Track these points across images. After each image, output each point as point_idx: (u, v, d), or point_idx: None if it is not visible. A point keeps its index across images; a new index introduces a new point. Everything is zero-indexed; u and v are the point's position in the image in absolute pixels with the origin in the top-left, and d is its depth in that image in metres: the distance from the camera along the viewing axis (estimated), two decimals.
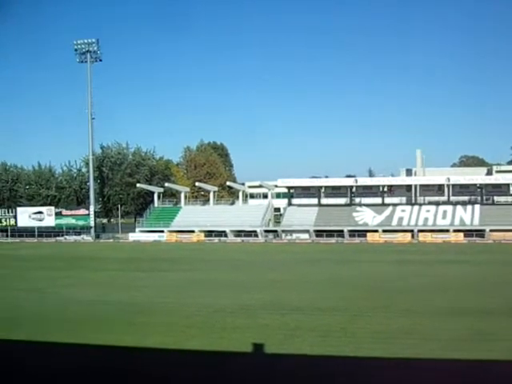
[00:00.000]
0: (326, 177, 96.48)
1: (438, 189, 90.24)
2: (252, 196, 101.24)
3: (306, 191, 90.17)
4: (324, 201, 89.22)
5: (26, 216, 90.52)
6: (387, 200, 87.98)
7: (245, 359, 20.40)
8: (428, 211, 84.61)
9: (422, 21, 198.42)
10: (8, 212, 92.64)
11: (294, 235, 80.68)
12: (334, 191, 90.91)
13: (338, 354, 20.46)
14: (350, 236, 79.15)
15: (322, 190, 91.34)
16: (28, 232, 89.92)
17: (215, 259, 57.80)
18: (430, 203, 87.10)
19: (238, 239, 78.35)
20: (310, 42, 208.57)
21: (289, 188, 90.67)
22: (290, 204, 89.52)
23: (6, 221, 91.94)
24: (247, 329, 24.98)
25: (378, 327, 24.60)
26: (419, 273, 44.32)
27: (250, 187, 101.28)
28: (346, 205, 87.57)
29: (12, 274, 48.12)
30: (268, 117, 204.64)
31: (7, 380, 18.89)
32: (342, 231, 79.10)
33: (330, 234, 78.24)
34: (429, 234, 78.25)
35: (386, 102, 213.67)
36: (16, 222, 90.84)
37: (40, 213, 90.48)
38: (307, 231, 79.93)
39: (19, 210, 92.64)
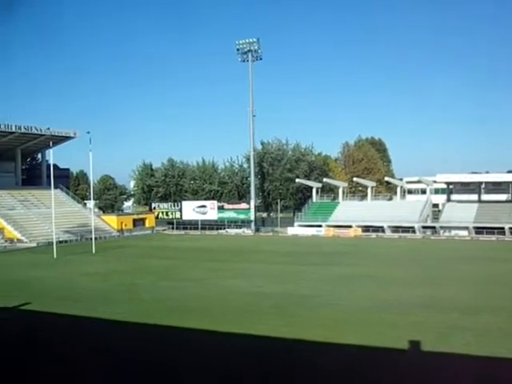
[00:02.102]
0: (487, 172, 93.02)
1: None
2: (410, 191, 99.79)
3: (466, 187, 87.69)
4: (484, 197, 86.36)
5: (190, 209, 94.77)
6: None
7: (399, 356, 20.96)
8: None
9: None
10: (174, 206, 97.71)
11: (453, 232, 78.78)
12: (495, 187, 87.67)
13: (495, 356, 20.44)
14: None
15: (483, 185, 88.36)
16: (192, 225, 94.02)
17: (372, 254, 57.86)
18: None
19: (396, 235, 77.76)
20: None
21: (448, 183, 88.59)
22: (448, 200, 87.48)
23: (172, 214, 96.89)
24: (403, 325, 25.36)
25: None
26: None
27: (408, 182, 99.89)
28: (507, 201, 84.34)
29: (178, 265, 51.12)
30: (427, 111, 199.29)
31: (176, 365, 20.67)
32: (502, 228, 76.31)
33: (490, 231, 75.68)
34: None
35: None
36: (181, 215, 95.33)
37: (203, 206, 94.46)
38: (466, 228, 77.80)
39: (184, 203, 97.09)
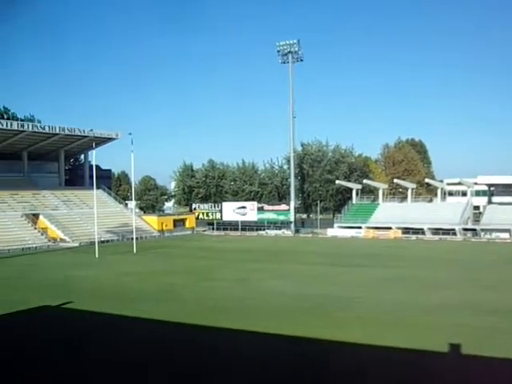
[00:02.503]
0: None
1: None
2: (450, 193, 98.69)
3: (507, 189, 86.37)
4: None
5: (230, 210, 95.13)
6: None
7: (440, 359, 20.84)
8: None
9: None
10: (214, 206, 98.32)
11: (494, 234, 77.71)
12: None
13: None
14: None
15: None
16: (232, 226, 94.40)
17: (413, 256, 57.43)
18: None
19: (436, 237, 77.04)
20: None
21: (489, 185, 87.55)
22: (490, 202, 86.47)
23: (212, 215, 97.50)
24: (444, 328, 25.19)
25: None
26: None
27: (448, 184, 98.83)
28: None
29: (218, 266, 51.44)
30: (468, 112, 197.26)
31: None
32: None
33: None
34: None
35: None
36: (221, 216, 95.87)
37: (243, 207, 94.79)
38: (508, 230, 76.65)
39: (225, 204, 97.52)
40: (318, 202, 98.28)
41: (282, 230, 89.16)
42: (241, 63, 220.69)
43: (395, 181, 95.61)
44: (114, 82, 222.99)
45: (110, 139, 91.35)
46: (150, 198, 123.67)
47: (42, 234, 74.35)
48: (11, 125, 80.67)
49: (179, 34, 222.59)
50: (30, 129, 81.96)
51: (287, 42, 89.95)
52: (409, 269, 46.94)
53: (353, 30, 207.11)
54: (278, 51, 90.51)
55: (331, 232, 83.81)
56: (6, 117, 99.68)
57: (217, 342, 23.88)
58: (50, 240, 73.25)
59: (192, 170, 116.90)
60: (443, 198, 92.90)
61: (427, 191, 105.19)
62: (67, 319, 29.46)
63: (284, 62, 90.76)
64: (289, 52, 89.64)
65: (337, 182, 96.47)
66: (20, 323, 28.41)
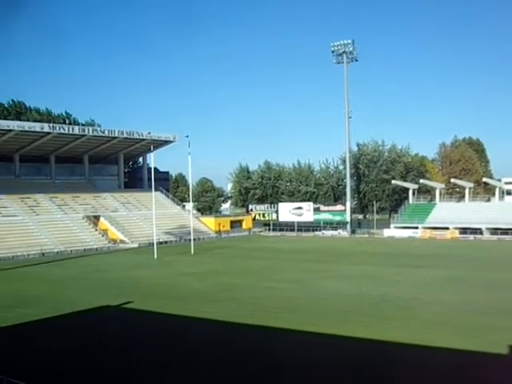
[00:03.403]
0: None
1: None
2: (509, 193, 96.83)
3: None
4: None
5: (286, 211, 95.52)
6: None
7: (496, 360, 20.87)
8: None
9: None
10: (271, 207, 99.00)
11: None
12: None
13: None
14: None
15: None
16: (288, 226, 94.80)
17: (470, 257, 56.78)
18: None
19: (494, 237, 75.90)
20: None
21: None
22: None
23: (268, 215, 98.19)
24: (502, 329, 25.02)
25: None
26: None
27: (507, 183, 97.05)
28: None
29: (275, 266, 51.93)
30: None
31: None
32: None
33: None
34: None
35: None
36: (278, 217, 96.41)
37: (299, 208, 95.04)
38: None
39: (281, 205, 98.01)
40: (374, 202, 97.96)
41: (338, 231, 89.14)
42: (295, 64, 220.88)
43: (452, 180, 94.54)
44: (171, 84, 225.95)
45: (167, 142, 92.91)
46: (207, 200, 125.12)
47: (103, 236, 76.25)
48: (73, 129, 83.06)
49: (233, 35, 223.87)
50: (91, 133, 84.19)
51: (342, 42, 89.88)
52: (466, 269, 46.59)
53: (407, 29, 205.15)
54: (333, 51, 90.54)
55: (387, 232, 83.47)
56: (67, 122, 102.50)
57: (277, 342, 24.35)
58: (110, 241, 75.07)
59: (248, 172, 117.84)
60: (501, 197, 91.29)
61: (485, 191, 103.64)
62: (127, 319, 30.43)
63: (338, 63, 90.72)
64: (343, 52, 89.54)
65: (393, 181, 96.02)
66: (82, 322, 29.49)
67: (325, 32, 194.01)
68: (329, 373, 19.81)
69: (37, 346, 24.46)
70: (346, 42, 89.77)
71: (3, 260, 60.38)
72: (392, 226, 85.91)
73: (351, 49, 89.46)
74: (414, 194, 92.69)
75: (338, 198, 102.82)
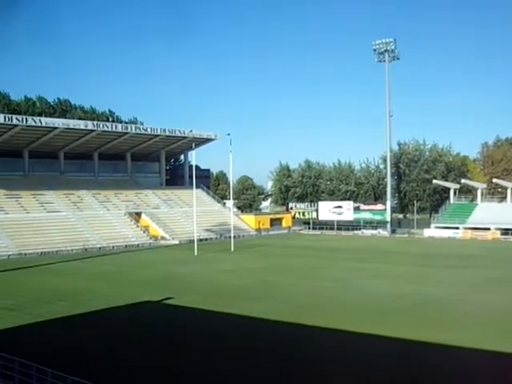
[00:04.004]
0: None
1: None
2: None
3: None
4: None
5: (326, 210, 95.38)
6: None
7: None
8: None
9: None
10: (311, 206, 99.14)
11: None
12: None
13: None
14: None
15: None
16: (328, 225, 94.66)
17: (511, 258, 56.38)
18: None
19: None
20: None
21: None
22: None
23: (308, 214, 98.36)
24: None
25: None
26: None
27: None
28: None
29: (314, 264, 52.20)
30: None
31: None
32: None
33: None
34: None
35: None
36: (318, 215, 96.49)
37: (339, 207, 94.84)
38: None
39: (321, 204, 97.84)
40: (415, 201, 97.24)
41: (378, 230, 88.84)
42: (336, 62, 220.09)
43: (494, 180, 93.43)
44: (212, 82, 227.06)
45: (208, 140, 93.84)
46: (248, 198, 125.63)
47: (144, 232, 77.32)
48: (116, 127, 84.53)
49: (272, 31, 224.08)
50: (134, 131, 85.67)
51: (383, 41, 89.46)
52: (508, 271, 46.16)
53: (449, 28, 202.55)
54: (374, 50, 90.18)
55: (428, 232, 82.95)
56: (111, 119, 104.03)
57: (318, 341, 24.66)
58: (151, 238, 76.08)
59: (288, 170, 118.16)
60: None
61: None
62: (167, 314, 31.10)
63: (380, 61, 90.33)
64: (385, 51, 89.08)
65: (434, 181, 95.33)
66: (124, 317, 30.27)
67: (366, 30, 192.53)
68: (368, 373, 20.01)
69: (79, 340, 25.16)
70: (387, 40, 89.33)
71: (47, 255, 61.81)
72: (432, 225, 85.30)
73: (393, 47, 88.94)
74: (455, 193, 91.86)
75: (379, 197, 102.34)
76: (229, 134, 67.78)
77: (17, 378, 17.92)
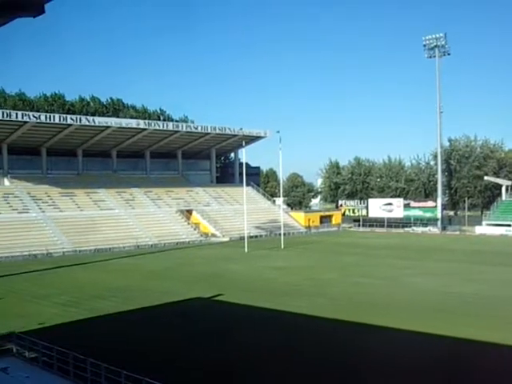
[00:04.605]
0: None
1: None
2: None
3: None
4: None
5: (376, 207, 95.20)
6: None
7: None
8: None
9: None
10: (360, 203, 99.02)
11: None
12: None
13: None
14: None
15: None
16: (378, 222, 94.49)
17: None
18: None
19: None
20: None
21: None
22: None
23: (358, 211, 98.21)
24: None
25: None
26: None
27: None
28: None
29: (364, 262, 52.19)
30: None
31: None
32: None
33: None
34: None
35: None
36: (367, 213, 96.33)
37: (389, 204, 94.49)
38: None
39: (370, 201, 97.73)
40: (466, 198, 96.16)
41: (429, 227, 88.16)
42: (387, 59, 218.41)
43: None
44: (262, 80, 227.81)
45: (258, 137, 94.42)
46: (297, 195, 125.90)
47: (195, 229, 78.35)
48: (167, 126, 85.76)
49: (325, 29, 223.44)
50: (184, 129, 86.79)
51: (434, 36, 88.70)
52: None
53: (500, 23, 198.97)
54: (425, 45, 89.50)
55: (479, 230, 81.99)
56: (162, 118, 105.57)
57: (364, 338, 24.91)
58: (201, 235, 77.03)
59: (338, 167, 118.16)
60: None
61: None
62: (217, 310, 31.68)
63: (430, 57, 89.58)
64: (435, 46, 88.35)
65: (485, 178, 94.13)
66: (174, 313, 31.03)
67: (416, 26, 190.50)
68: (420, 371, 20.10)
69: (131, 335, 25.93)
70: (438, 35, 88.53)
71: (100, 252, 63.25)
72: (484, 223, 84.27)
73: (443, 42, 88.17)
74: (507, 190, 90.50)
75: (429, 194, 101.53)
76: (278, 132, 68.68)
77: (72, 372, 18.62)
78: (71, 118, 75.31)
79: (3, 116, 68.24)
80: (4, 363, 19.21)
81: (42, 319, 28.44)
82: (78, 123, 74.82)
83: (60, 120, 73.37)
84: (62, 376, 19.03)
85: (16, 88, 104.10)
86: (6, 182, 76.40)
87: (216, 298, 34.25)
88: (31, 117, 71.34)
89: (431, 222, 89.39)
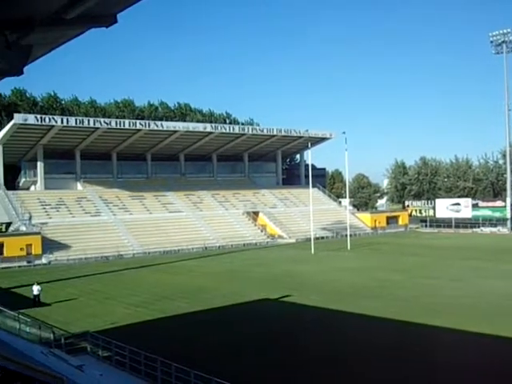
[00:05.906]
0: None
1: None
2: None
3: None
4: None
5: (443, 207, 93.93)
6: None
7: None
8: None
9: None
10: (427, 203, 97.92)
11: None
12: None
13: None
14: None
15: None
16: (445, 223, 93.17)
17: None
18: None
19: None
20: None
21: None
22: None
23: (425, 211, 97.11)
24: None
25: None
26: None
27: None
28: None
29: (432, 263, 51.84)
30: None
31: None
32: None
33: None
34: None
35: None
36: (434, 213, 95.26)
37: (457, 204, 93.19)
38: None
39: (438, 201, 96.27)
40: None
41: (498, 228, 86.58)
42: (453, 56, 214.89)
43: None
44: (327, 81, 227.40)
45: (324, 139, 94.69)
46: (363, 196, 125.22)
47: (262, 231, 79.15)
48: (233, 129, 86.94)
49: (386, 30, 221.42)
50: (250, 132, 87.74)
51: (501, 32, 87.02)
52: None
53: None
54: (492, 41, 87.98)
55: None
56: (228, 121, 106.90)
57: (429, 342, 25.02)
58: (268, 236, 77.75)
59: (404, 168, 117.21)
60: None
61: None
62: (286, 311, 32.20)
63: (498, 53, 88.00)
64: (503, 42, 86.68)
65: None
66: (243, 314, 31.71)
67: (482, 21, 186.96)
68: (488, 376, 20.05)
69: (200, 336, 26.67)
70: (505, 31, 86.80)
71: (169, 253, 64.75)
72: None
73: (511, 38, 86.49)
74: None
75: (498, 193, 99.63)
76: (344, 133, 68.45)
77: (143, 371, 19.41)
78: (140, 123, 77.26)
79: (76, 123, 70.81)
80: (79, 361, 20.07)
81: (115, 319, 29.66)
82: (147, 128, 76.68)
83: (130, 125, 75.43)
84: (133, 374, 19.82)
85: (87, 96, 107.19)
86: (79, 186, 78.99)
87: (284, 299, 34.79)
88: (102, 123, 73.75)
89: (500, 222, 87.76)
